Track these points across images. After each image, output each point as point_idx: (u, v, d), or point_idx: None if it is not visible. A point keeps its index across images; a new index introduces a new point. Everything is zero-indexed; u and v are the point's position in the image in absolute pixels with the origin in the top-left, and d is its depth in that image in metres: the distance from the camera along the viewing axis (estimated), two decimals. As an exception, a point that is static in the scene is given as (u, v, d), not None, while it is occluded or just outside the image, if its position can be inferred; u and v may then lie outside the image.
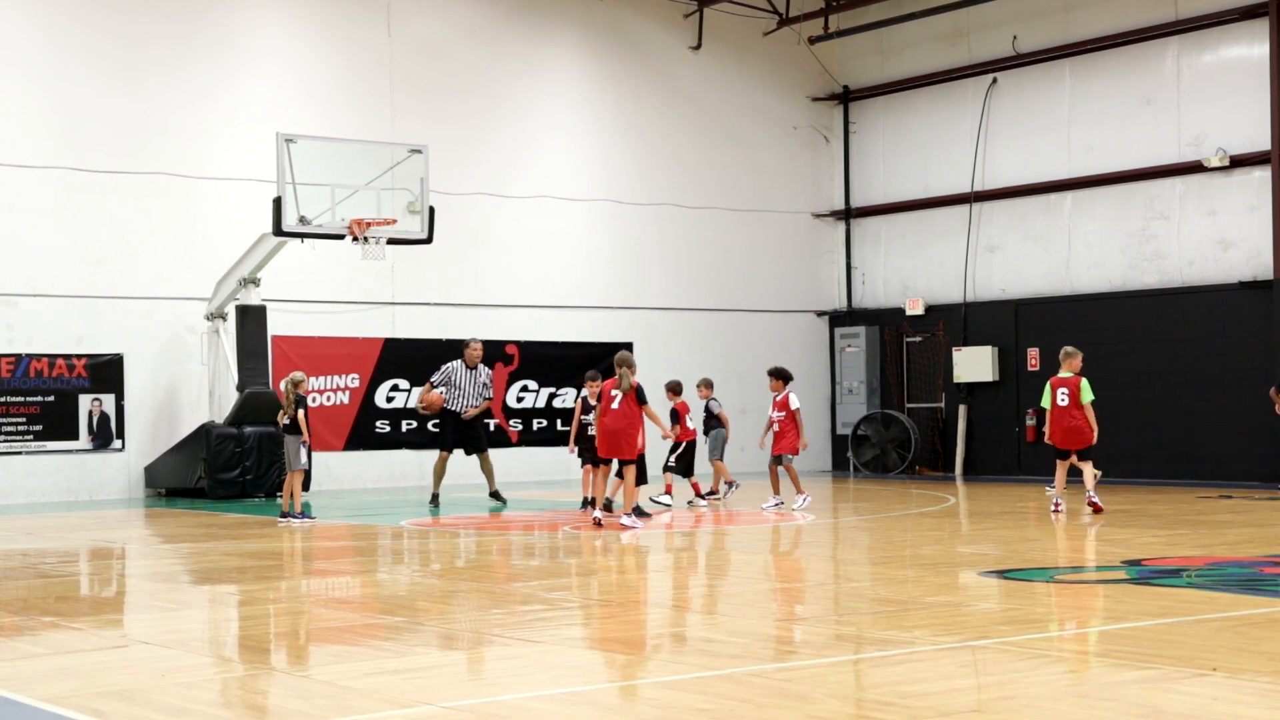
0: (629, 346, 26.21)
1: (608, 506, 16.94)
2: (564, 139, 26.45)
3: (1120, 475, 23.95)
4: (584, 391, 17.99)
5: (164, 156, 22.72)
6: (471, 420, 19.48)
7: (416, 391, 24.47)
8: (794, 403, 18.70)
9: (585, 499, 17.78)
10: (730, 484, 19.94)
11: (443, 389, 19.44)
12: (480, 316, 25.12)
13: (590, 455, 17.27)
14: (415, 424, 24.18)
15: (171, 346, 22.80)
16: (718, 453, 20.00)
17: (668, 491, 19.10)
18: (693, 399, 20.37)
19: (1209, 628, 8.58)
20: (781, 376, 18.89)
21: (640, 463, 16.67)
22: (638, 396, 16.14)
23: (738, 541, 15.31)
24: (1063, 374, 17.06)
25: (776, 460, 18.58)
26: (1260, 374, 22.77)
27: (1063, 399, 16.92)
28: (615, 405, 16.03)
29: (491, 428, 24.35)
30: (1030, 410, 24.98)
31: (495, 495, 19.57)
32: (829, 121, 29.20)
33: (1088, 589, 10.82)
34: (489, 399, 19.75)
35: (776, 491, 18.60)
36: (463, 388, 19.44)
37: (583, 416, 17.85)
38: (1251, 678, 7.02)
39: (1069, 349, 17.42)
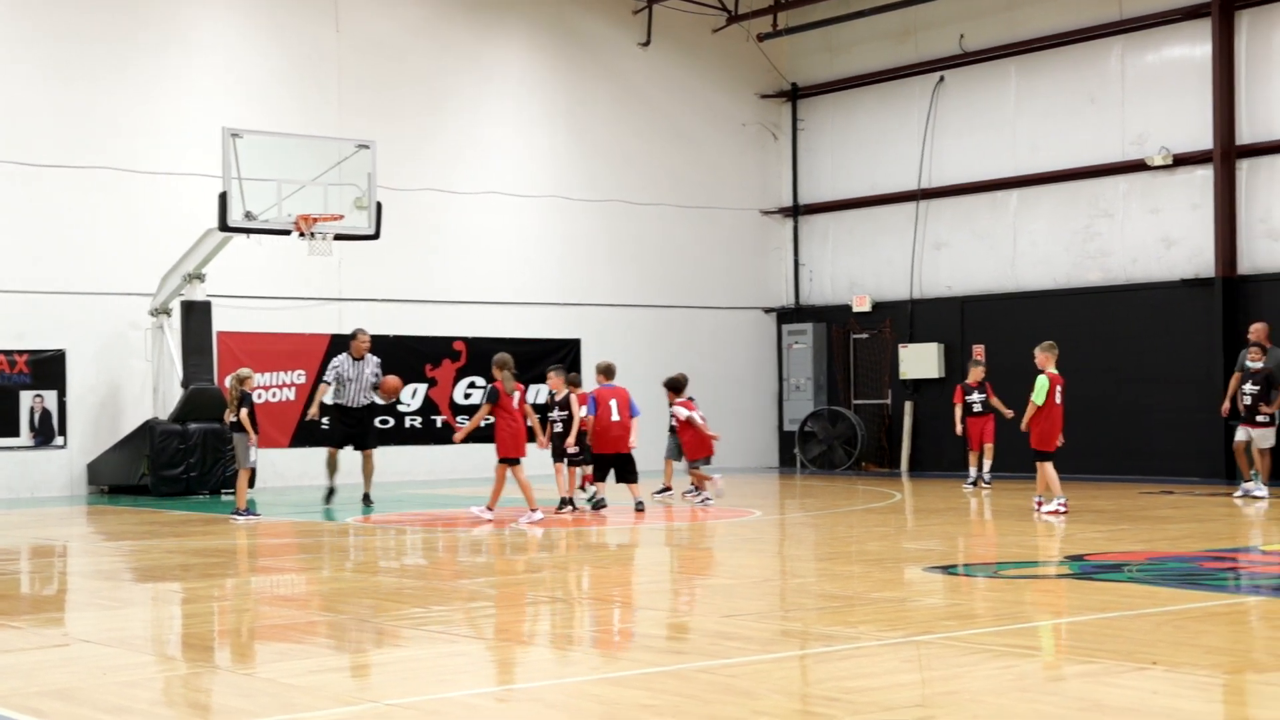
0: (577, 343, 26.23)
1: (570, 503, 17.07)
2: (512, 135, 26.39)
3: (1064, 471, 24.07)
4: (572, 388, 17.49)
5: (108, 151, 22.51)
6: (363, 415, 18.98)
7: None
8: (682, 414, 19.03)
9: (563, 499, 17.43)
10: (669, 489, 19.64)
11: (333, 385, 18.82)
12: (428, 312, 25.04)
13: (561, 452, 17.30)
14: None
15: (115, 342, 22.61)
16: (673, 454, 19.84)
17: (587, 482, 19.26)
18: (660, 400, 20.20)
19: (1150, 622, 8.66)
20: (670, 387, 19.06)
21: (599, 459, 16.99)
22: (488, 396, 16.52)
23: (685, 538, 15.33)
24: (1054, 370, 16.58)
25: (694, 464, 19.07)
26: (1202, 371, 23.00)
27: (1059, 397, 16.53)
28: (515, 404, 16.48)
29: (439, 423, 24.22)
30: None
31: (366, 499, 18.88)
32: (777, 119, 29.27)
33: (1031, 584, 10.89)
34: (376, 385, 19.06)
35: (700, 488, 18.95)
36: (353, 380, 18.82)
37: (560, 413, 17.47)
38: (1190, 671, 7.09)
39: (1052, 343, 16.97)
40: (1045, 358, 16.55)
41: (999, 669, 7.26)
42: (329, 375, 18.97)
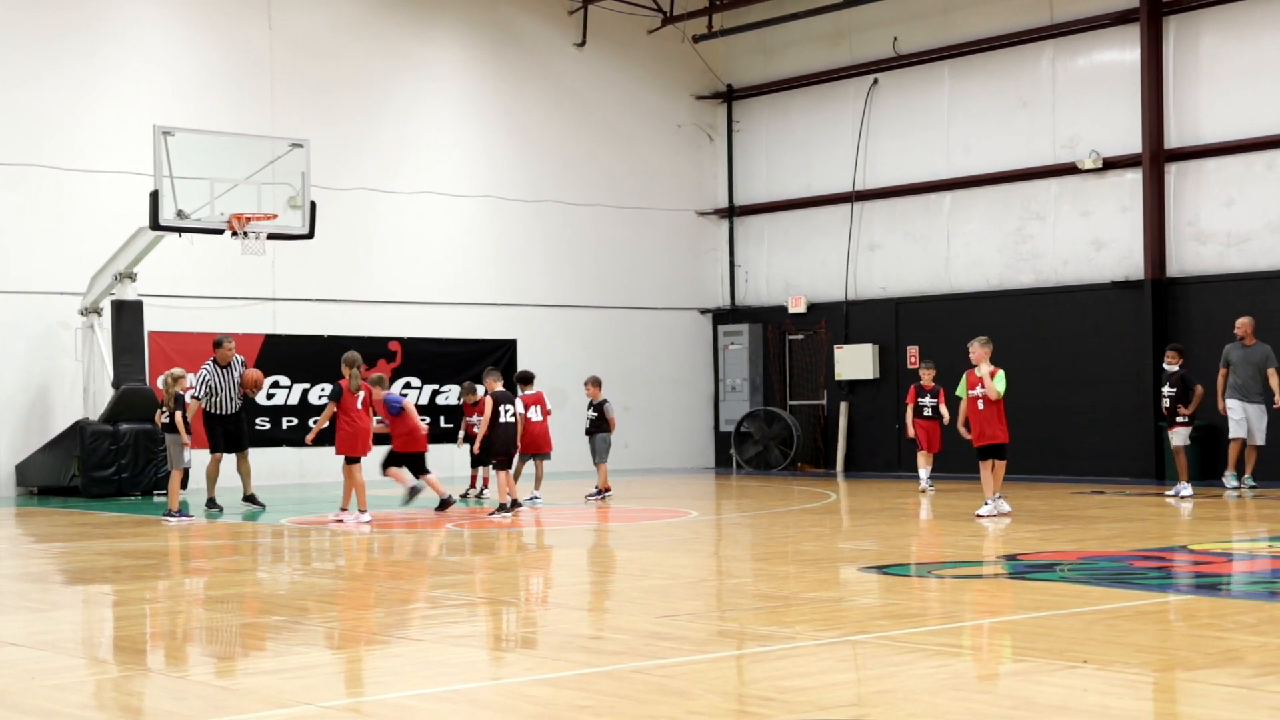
0: (512, 344, 26.19)
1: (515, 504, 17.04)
2: (447, 135, 26.31)
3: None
4: (491, 389, 17.29)
5: (38, 148, 22.25)
6: (236, 417, 18.64)
7: (298, 389, 24.22)
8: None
9: (502, 504, 17.25)
10: (601, 491, 19.46)
11: (203, 397, 18.33)
12: (362, 312, 24.93)
13: (502, 459, 17.24)
14: (295, 421, 23.91)
15: (44, 342, 22.33)
16: (603, 456, 19.71)
17: (485, 484, 19.42)
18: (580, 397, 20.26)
19: (1081, 621, 8.75)
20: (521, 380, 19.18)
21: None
22: (332, 394, 16.61)
23: (620, 539, 15.33)
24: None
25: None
26: (1131, 371, 23.27)
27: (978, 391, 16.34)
28: (359, 404, 16.50)
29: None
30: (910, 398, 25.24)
31: (251, 499, 18.71)
32: (713, 120, 29.35)
33: (965, 583, 10.98)
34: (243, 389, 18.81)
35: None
36: (224, 388, 18.45)
37: (505, 420, 17.26)
38: (1121, 669, 7.17)
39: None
40: (985, 352, 16.47)
41: (933, 668, 7.31)
42: (197, 388, 18.32)
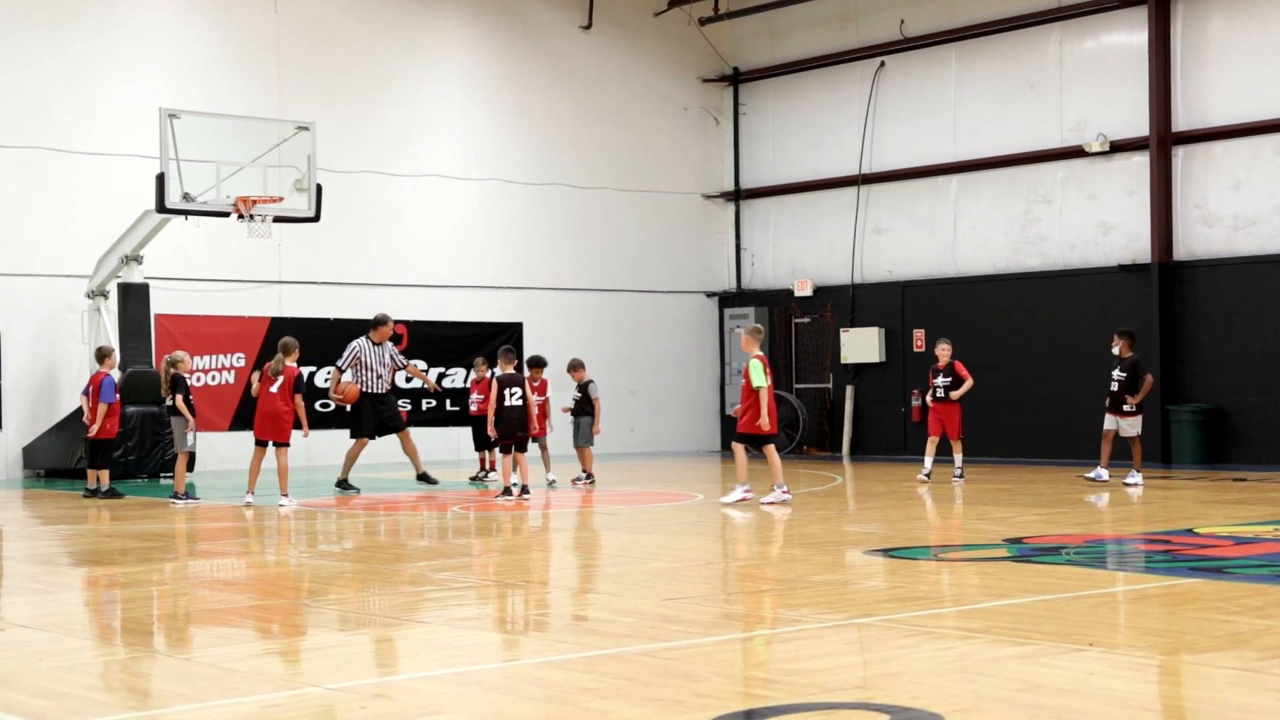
0: (518, 327, 26.19)
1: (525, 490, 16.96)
2: (453, 118, 26.29)
3: (1003, 455, 24.37)
4: (497, 371, 17.17)
5: (45, 132, 22.26)
6: (386, 398, 18.70)
7: (304, 371, 24.19)
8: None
9: (508, 487, 17.08)
10: (587, 474, 19.27)
11: (349, 372, 18.54)
12: (368, 296, 24.91)
13: (507, 443, 17.09)
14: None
15: (51, 325, 22.36)
16: (586, 440, 19.42)
17: (492, 467, 19.35)
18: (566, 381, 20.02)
19: (1086, 604, 8.75)
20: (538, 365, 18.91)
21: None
22: (295, 385, 16.62)
23: (626, 522, 15.35)
24: (760, 352, 16.35)
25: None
26: (1138, 355, 23.20)
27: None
28: (275, 389, 16.54)
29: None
30: (916, 390, 25.26)
31: (424, 478, 18.75)
32: (719, 103, 29.30)
33: (970, 566, 10.99)
34: (400, 367, 19.09)
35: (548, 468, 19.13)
36: (372, 367, 18.61)
37: (511, 403, 17.20)
38: (1126, 652, 7.18)
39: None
40: (751, 341, 16.34)
41: (938, 650, 7.32)
42: (344, 360, 18.60)
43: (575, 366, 19.59)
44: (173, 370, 17.08)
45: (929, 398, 19.28)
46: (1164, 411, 22.85)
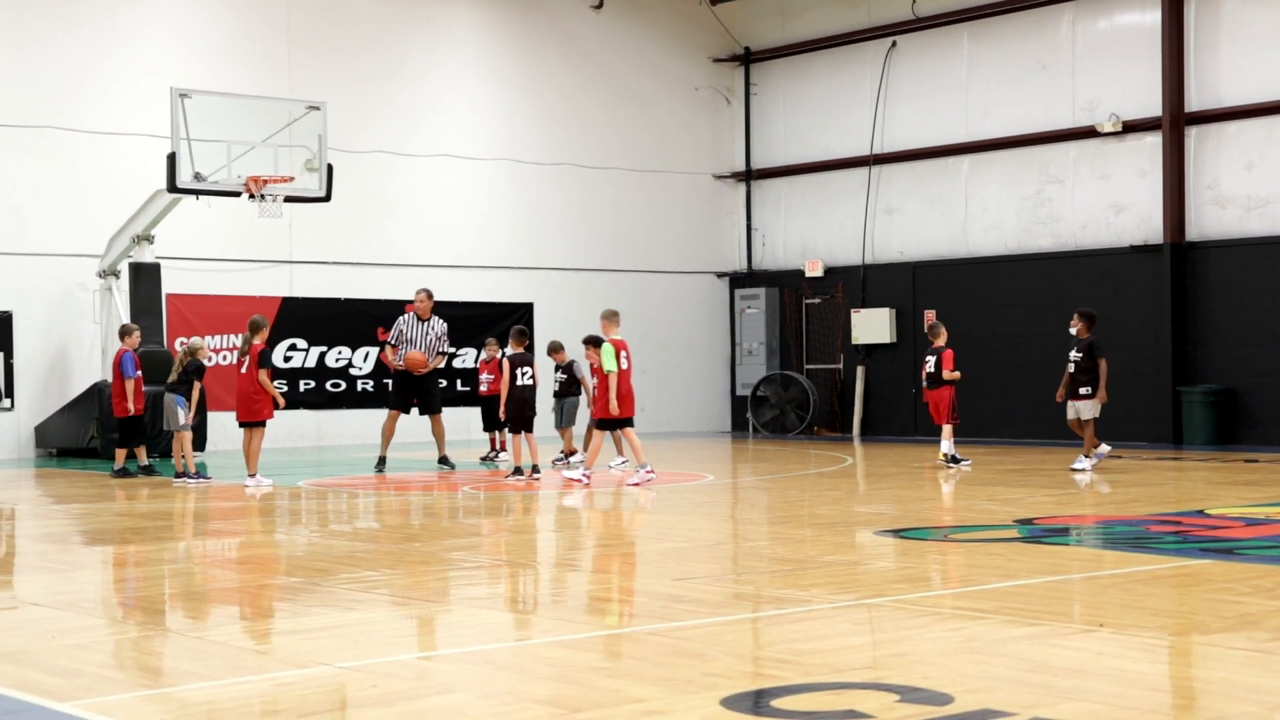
0: (529, 307, 26.20)
1: (535, 470, 16.93)
2: (464, 97, 26.26)
3: (1013, 436, 24.35)
4: (508, 351, 17.14)
5: (56, 111, 22.27)
6: (425, 377, 18.65)
7: (315, 352, 24.28)
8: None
9: (519, 466, 17.01)
10: (567, 455, 19.07)
11: (398, 346, 18.51)
12: (379, 275, 24.94)
13: (517, 423, 17.06)
14: (313, 384, 23.98)
15: (63, 304, 22.40)
16: (570, 420, 19.27)
17: (502, 447, 19.30)
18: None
19: (1096, 585, 8.75)
20: (594, 343, 17.95)
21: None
22: (260, 362, 16.72)
23: (635, 502, 15.36)
24: (618, 336, 16.27)
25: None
26: (1149, 336, 23.21)
27: (625, 362, 16.26)
28: (245, 369, 16.72)
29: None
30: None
31: (444, 461, 18.64)
32: (730, 83, 29.24)
33: (980, 547, 10.98)
34: (444, 353, 18.98)
35: (620, 452, 18.66)
36: (415, 342, 18.56)
37: (523, 383, 16.99)
38: (1136, 633, 7.18)
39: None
40: (608, 325, 16.27)
41: (948, 631, 7.32)
42: (392, 335, 18.67)
43: (556, 349, 19.48)
44: (189, 358, 17.32)
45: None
46: (1175, 392, 22.82)
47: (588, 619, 7.88)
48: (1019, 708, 5.59)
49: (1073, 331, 17.92)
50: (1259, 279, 22.31)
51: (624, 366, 16.13)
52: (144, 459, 18.12)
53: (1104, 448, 18.08)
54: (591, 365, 17.74)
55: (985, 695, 5.84)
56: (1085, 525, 11.97)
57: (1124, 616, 7.58)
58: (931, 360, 18.66)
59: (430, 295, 19.10)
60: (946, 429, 18.54)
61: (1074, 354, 17.78)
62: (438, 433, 18.88)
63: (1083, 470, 17.38)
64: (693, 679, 6.20)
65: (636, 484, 15.85)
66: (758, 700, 5.86)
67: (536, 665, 6.72)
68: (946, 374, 18.37)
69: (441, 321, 18.97)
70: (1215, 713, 5.64)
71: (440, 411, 19.00)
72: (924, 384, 19.02)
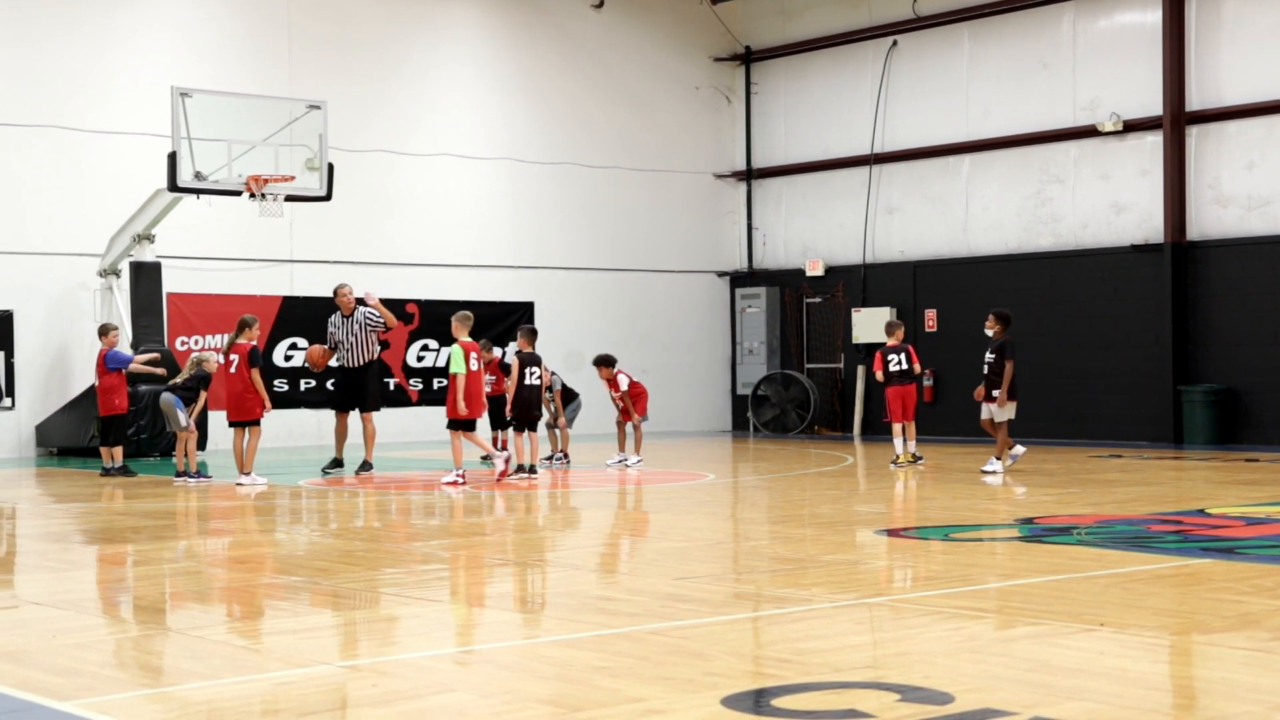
0: (530, 306, 26.20)
1: (531, 469, 16.95)
2: (465, 97, 26.26)
3: (1014, 435, 24.28)
4: (518, 349, 17.02)
5: (57, 110, 22.27)
6: (361, 374, 18.05)
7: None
8: (623, 383, 18.89)
9: (521, 465, 17.04)
10: (563, 454, 19.05)
11: (335, 349, 18.10)
12: (380, 275, 24.91)
13: (522, 422, 17.07)
14: (314, 383, 23.97)
15: (63, 303, 22.41)
16: (568, 421, 19.26)
17: (504, 446, 19.22)
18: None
19: (1098, 584, 8.75)
20: (605, 363, 18.91)
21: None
22: (249, 361, 16.70)
23: (635, 501, 15.36)
24: (466, 338, 16.23)
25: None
26: (1150, 336, 23.21)
27: (474, 364, 16.24)
28: (233, 369, 16.75)
29: (391, 386, 24.03)
30: (930, 370, 25.26)
31: (365, 465, 18.05)
32: (731, 82, 29.23)
33: (981, 546, 10.98)
34: (376, 337, 18.09)
35: (622, 449, 18.94)
36: (344, 340, 18.06)
37: (530, 383, 16.97)
38: (1137, 632, 7.17)
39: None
40: (458, 326, 16.26)
41: (949, 630, 7.32)
42: (329, 337, 18.16)
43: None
44: (197, 368, 17.38)
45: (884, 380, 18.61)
46: (1176, 392, 22.83)
47: (588, 618, 7.88)
48: (1020, 707, 5.59)
49: (989, 333, 17.57)
50: (1259, 279, 22.30)
51: (473, 368, 16.06)
52: (119, 459, 18.03)
53: (1019, 449, 18.00)
54: (609, 383, 18.16)
55: (986, 694, 5.84)
56: (1086, 524, 11.96)
57: (1125, 616, 7.58)
58: (899, 357, 18.43)
59: (350, 289, 18.24)
60: (911, 427, 18.43)
61: (988, 355, 17.43)
62: (367, 433, 18.15)
63: (994, 472, 17.03)
64: (693, 678, 6.20)
65: (450, 483, 15.82)
66: (758, 700, 5.86)
67: (537, 664, 6.71)
68: (917, 368, 18.60)
69: (365, 310, 18.04)
70: (1216, 712, 5.64)
71: (374, 410, 18.26)
72: (885, 381, 18.53)
